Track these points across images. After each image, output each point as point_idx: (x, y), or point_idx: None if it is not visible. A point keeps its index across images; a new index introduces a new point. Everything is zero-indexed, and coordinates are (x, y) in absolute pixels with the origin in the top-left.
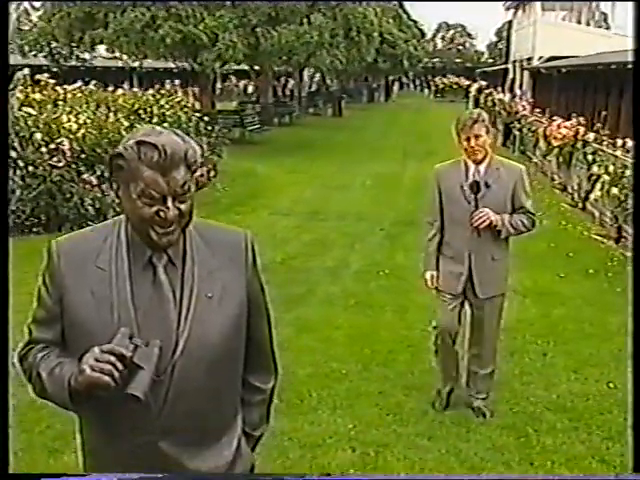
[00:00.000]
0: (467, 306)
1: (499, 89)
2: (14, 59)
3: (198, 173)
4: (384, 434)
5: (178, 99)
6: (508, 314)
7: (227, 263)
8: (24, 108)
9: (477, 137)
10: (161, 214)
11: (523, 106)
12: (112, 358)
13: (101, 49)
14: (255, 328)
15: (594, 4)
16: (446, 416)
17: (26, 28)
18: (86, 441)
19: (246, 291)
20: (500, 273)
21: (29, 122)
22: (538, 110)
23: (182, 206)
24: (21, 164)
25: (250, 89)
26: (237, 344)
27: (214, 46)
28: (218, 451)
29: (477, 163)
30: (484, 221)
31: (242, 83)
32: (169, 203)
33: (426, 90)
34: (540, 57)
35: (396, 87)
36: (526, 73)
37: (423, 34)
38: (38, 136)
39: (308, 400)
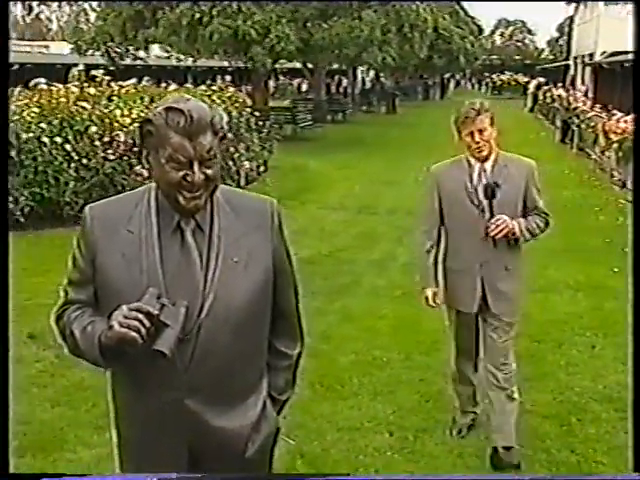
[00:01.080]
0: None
1: (559, 85)
2: (71, 57)
3: (247, 166)
4: (423, 420)
5: (229, 94)
6: (557, 307)
7: (253, 229)
8: (79, 102)
9: (481, 131)
10: (188, 178)
11: (583, 101)
12: (139, 315)
13: (156, 48)
14: (281, 294)
15: None
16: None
17: (84, 27)
18: (117, 398)
19: (272, 257)
20: (515, 284)
21: (84, 116)
22: (599, 106)
23: (208, 171)
24: (75, 157)
25: (304, 87)
26: (263, 308)
27: (265, 40)
28: (243, 411)
29: (482, 161)
30: (502, 230)
31: (296, 82)
32: (195, 168)
33: (484, 87)
34: (603, 52)
35: (452, 84)
36: (588, 69)
37: (481, 30)
38: (93, 129)
39: (349, 386)
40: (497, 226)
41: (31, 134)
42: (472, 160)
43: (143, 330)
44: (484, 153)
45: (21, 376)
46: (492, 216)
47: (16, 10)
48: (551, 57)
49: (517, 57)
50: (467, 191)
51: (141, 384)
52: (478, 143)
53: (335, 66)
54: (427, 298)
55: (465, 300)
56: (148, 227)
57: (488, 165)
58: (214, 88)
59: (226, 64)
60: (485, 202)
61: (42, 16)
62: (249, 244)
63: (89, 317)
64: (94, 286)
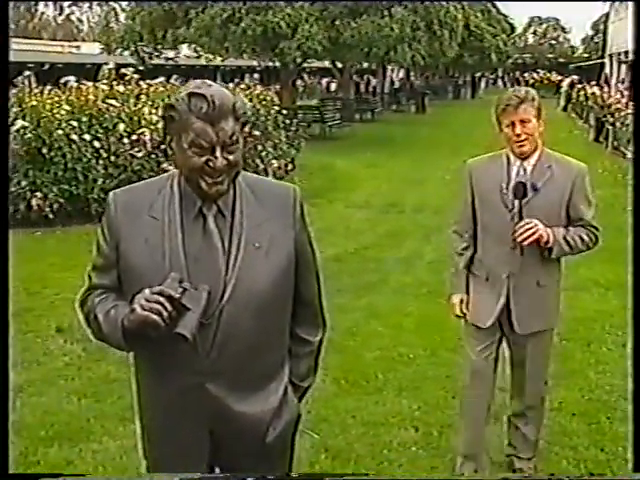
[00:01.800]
0: (505, 343)
1: (592, 83)
2: (101, 57)
3: (275, 164)
4: (449, 416)
5: (257, 92)
6: (587, 305)
7: (275, 215)
8: (108, 100)
9: (524, 122)
10: (210, 164)
11: (617, 99)
12: (161, 298)
13: (185, 48)
14: (303, 281)
15: None
16: None
17: (114, 27)
18: (140, 383)
19: (294, 243)
20: (547, 303)
21: (112, 113)
22: (632, 103)
23: (230, 157)
24: (104, 154)
25: (333, 87)
26: (284, 294)
27: (294, 37)
28: (264, 397)
29: (523, 158)
30: (530, 235)
31: (325, 81)
32: (218, 153)
33: (517, 86)
34: None
35: (483, 83)
36: (623, 66)
37: (513, 28)
38: (121, 127)
39: (374, 382)
40: (525, 230)
41: (60, 131)
42: (512, 157)
43: (165, 313)
44: (525, 148)
45: (49, 369)
46: (521, 219)
47: (48, 11)
48: (585, 55)
49: (550, 55)
50: (501, 192)
51: (163, 368)
52: (519, 136)
53: (364, 65)
54: (454, 306)
55: (483, 314)
56: (171, 213)
57: (529, 164)
58: (242, 86)
59: (255, 63)
60: (516, 203)
61: (73, 17)
62: (271, 230)
63: (112, 301)
64: (117, 271)
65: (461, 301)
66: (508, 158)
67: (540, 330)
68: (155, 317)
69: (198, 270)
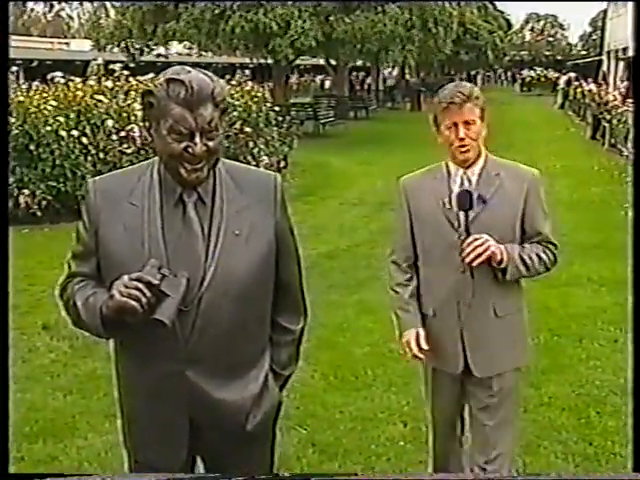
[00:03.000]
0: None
1: (589, 81)
2: (92, 54)
3: (267, 161)
4: None
5: (248, 88)
6: (579, 301)
7: (256, 202)
8: (96, 96)
9: (469, 124)
10: (189, 150)
11: (614, 96)
12: (140, 284)
13: (176, 45)
14: (284, 269)
15: None
16: None
17: (104, 23)
18: (120, 371)
19: (274, 231)
20: (510, 336)
21: (101, 109)
22: (631, 101)
23: (210, 143)
24: (92, 151)
25: (327, 84)
26: (264, 281)
27: (286, 34)
28: (244, 384)
29: (466, 167)
30: (481, 253)
31: (319, 78)
32: (197, 139)
33: (514, 84)
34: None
35: (479, 81)
36: (621, 64)
37: (510, 25)
38: (109, 123)
39: (363, 377)
40: (474, 248)
41: (48, 127)
42: (452, 166)
43: (143, 299)
44: (469, 154)
45: (34, 365)
46: (469, 236)
47: (37, 7)
48: (583, 52)
49: (548, 52)
50: (443, 208)
51: (142, 355)
52: (463, 140)
53: (359, 63)
54: (409, 344)
55: (442, 355)
56: (150, 200)
57: (474, 172)
58: (233, 83)
59: (247, 60)
60: (462, 218)
61: (63, 14)
62: (251, 217)
63: (92, 289)
64: (97, 258)
65: (417, 336)
66: (448, 169)
67: (501, 372)
68: (133, 303)
69: (178, 257)
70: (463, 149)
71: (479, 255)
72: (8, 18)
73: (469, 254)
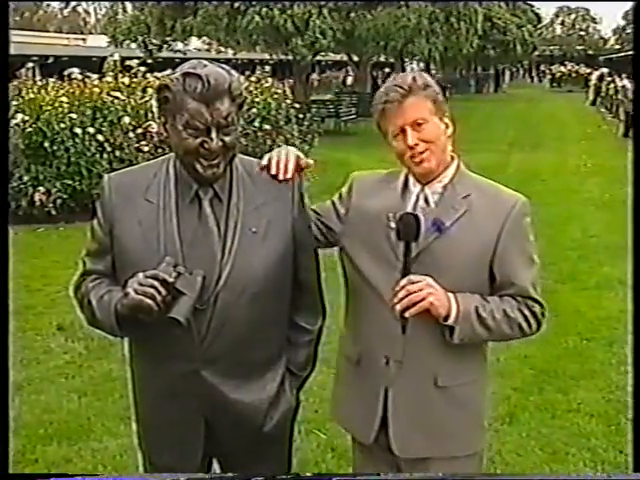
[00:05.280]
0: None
1: (623, 76)
2: (108, 50)
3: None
4: None
5: (267, 85)
6: (610, 304)
7: (273, 199)
8: (112, 92)
9: (418, 125)
10: (205, 145)
11: None
12: (155, 282)
13: (195, 41)
14: (302, 267)
15: None
16: (530, 401)
17: (121, 18)
18: (134, 368)
19: (292, 228)
20: (455, 413)
21: (117, 106)
22: (633, 101)
23: (226, 138)
24: (108, 148)
25: (349, 81)
26: (282, 280)
27: (304, 33)
28: (261, 385)
29: (426, 182)
30: (416, 302)
31: (341, 75)
32: (213, 134)
33: (545, 80)
34: None
35: (507, 76)
36: None
37: (539, 19)
38: (126, 120)
39: None
40: (406, 292)
41: (63, 124)
42: (411, 179)
43: (158, 297)
44: (428, 165)
45: (49, 366)
46: (407, 273)
47: (53, 3)
48: (617, 47)
49: (579, 47)
50: (387, 227)
51: (158, 355)
52: (414, 148)
53: (382, 58)
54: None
55: (356, 421)
56: (166, 196)
57: (435, 190)
58: (252, 79)
59: (267, 56)
60: (401, 248)
61: (80, 9)
62: (268, 214)
63: (106, 287)
64: (112, 256)
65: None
66: (406, 180)
67: (439, 457)
68: (149, 301)
69: (193, 255)
70: (417, 159)
71: (413, 305)
72: (8, 17)
73: (401, 301)
